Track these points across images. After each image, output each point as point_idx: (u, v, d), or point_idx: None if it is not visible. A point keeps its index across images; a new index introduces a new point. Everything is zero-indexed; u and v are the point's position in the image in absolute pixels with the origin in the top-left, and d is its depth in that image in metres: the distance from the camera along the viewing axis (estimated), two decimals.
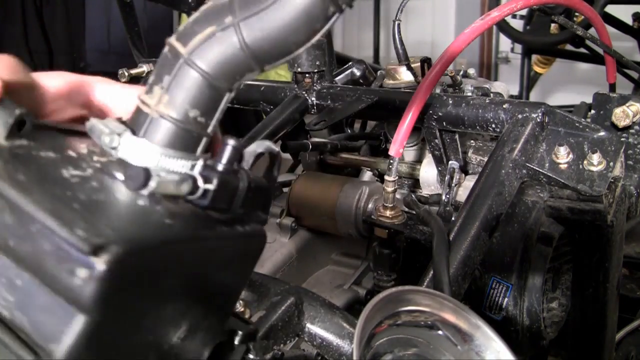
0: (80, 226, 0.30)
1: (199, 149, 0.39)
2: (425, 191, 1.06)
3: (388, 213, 0.91)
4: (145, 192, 0.35)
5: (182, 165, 0.38)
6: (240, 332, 0.45)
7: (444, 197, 0.95)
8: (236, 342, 0.44)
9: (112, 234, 0.31)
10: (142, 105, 0.39)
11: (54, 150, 0.37)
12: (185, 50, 0.38)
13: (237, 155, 0.39)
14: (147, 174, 0.35)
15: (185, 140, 0.38)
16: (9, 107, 0.35)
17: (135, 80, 1.28)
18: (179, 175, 0.37)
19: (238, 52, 0.37)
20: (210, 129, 0.39)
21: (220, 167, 0.38)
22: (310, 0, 0.36)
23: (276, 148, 0.43)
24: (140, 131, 0.38)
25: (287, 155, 1.28)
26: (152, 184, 0.35)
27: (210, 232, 0.37)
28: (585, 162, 0.79)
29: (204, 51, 0.37)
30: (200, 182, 0.37)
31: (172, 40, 0.38)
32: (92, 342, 0.31)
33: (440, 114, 0.93)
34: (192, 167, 0.38)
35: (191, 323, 0.38)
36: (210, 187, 0.37)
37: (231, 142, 0.38)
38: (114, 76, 1.34)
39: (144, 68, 1.29)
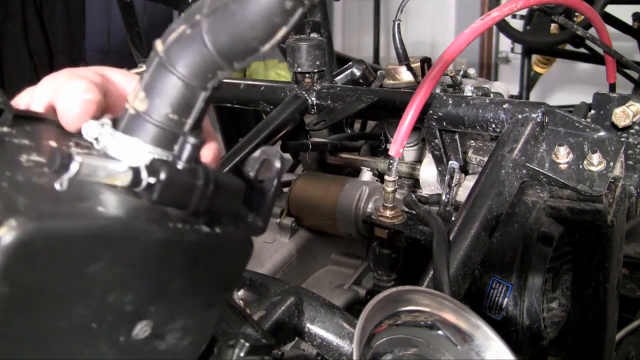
0: None
1: (176, 147, 0.39)
2: (425, 191, 1.06)
3: (388, 213, 0.91)
4: (66, 176, 0.35)
5: (135, 157, 0.38)
6: (246, 344, 0.45)
7: (444, 197, 0.95)
8: (241, 354, 0.45)
9: (22, 212, 0.31)
10: (126, 102, 0.40)
11: (31, 139, 0.38)
12: (161, 49, 0.38)
13: (196, 152, 0.38)
14: (66, 159, 0.35)
15: (157, 137, 0.39)
16: None
17: None
18: (124, 165, 0.37)
19: (203, 49, 0.37)
20: (186, 128, 0.39)
21: (175, 163, 0.38)
22: None
23: (281, 155, 0.42)
24: (120, 125, 0.39)
25: (287, 155, 1.28)
26: (72, 168, 0.35)
27: (157, 227, 0.37)
28: (585, 162, 0.79)
29: (175, 49, 0.38)
30: (143, 174, 0.36)
31: (158, 39, 0.39)
32: None
33: (440, 114, 0.93)
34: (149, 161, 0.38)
35: (155, 322, 0.39)
36: (152, 180, 0.36)
37: (190, 140, 0.38)
38: None
39: (144, 68, 1.29)
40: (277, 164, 0.42)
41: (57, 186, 0.35)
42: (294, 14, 0.36)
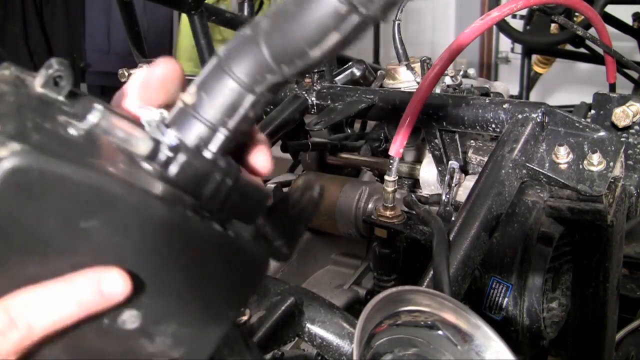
0: (9, 128, 0.32)
1: (213, 143, 0.38)
2: (425, 191, 1.06)
3: (388, 213, 0.91)
4: (83, 124, 0.35)
5: (161, 135, 0.37)
6: None
7: (444, 197, 0.95)
8: None
9: (30, 143, 0.32)
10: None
11: (76, 109, 0.37)
12: (223, 49, 0.38)
13: (225, 146, 0.38)
14: (88, 108, 0.35)
15: (194, 128, 0.38)
16: (59, 64, 0.37)
17: None
18: (146, 135, 0.36)
19: (256, 49, 0.37)
20: (229, 126, 0.38)
21: (200, 150, 0.37)
22: None
23: (322, 188, 0.42)
24: (168, 118, 0.39)
25: (287, 155, 1.28)
26: (91, 118, 0.35)
27: (164, 203, 0.35)
28: (585, 162, 0.79)
29: (233, 48, 0.38)
30: (164, 148, 0.36)
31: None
32: None
33: (440, 114, 0.93)
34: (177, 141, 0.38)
35: (145, 315, 0.37)
36: (171, 155, 0.36)
37: (222, 131, 0.38)
38: (114, 76, 1.34)
39: (144, 68, 1.29)
40: (316, 194, 0.42)
41: (71, 131, 0.34)
42: (346, 19, 0.35)
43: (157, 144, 0.36)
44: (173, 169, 0.36)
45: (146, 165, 0.36)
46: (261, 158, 0.42)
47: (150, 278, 0.37)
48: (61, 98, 0.37)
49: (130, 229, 0.35)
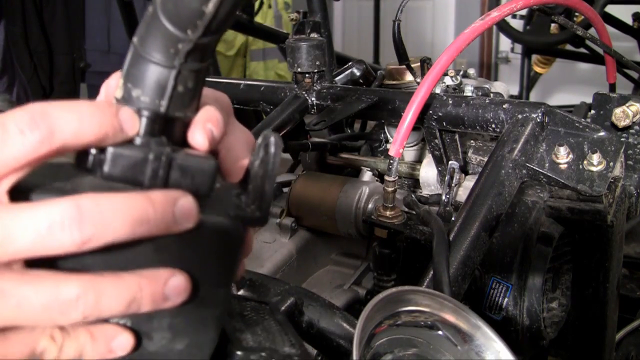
0: None
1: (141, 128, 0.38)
2: (425, 191, 1.06)
3: (388, 213, 0.91)
4: None
5: None
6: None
7: (444, 197, 0.95)
8: None
9: None
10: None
11: None
12: (135, 37, 0.39)
13: (152, 126, 0.38)
14: None
15: None
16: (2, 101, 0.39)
17: None
18: None
19: (158, 23, 0.37)
20: (162, 107, 0.38)
21: (132, 140, 0.38)
22: None
23: (278, 138, 0.40)
24: None
25: (287, 155, 1.28)
26: None
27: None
28: (585, 162, 0.79)
29: (142, 30, 0.38)
30: (92, 150, 0.37)
31: None
32: None
33: (440, 114, 0.93)
34: None
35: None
36: (100, 156, 0.37)
37: (144, 113, 0.38)
38: None
39: None
40: (272, 149, 0.40)
41: None
42: None
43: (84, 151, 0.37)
44: (105, 165, 0.36)
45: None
46: (197, 134, 0.40)
47: (125, 269, 0.36)
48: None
49: None
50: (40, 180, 0.36)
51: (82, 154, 0.37)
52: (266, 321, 0.50)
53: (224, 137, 0.42)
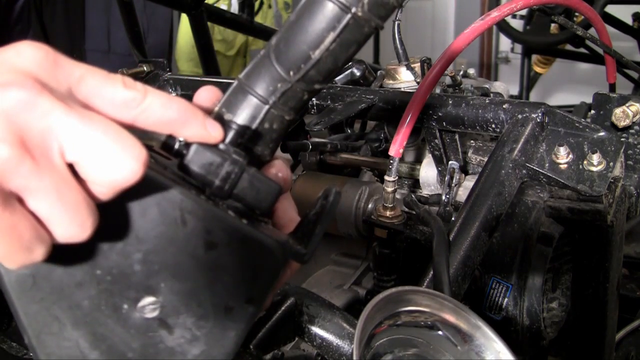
0: None
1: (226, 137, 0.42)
2: (425, 191, 1.06)
3: (388, 213, 0.91)
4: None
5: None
6: None
7: (444, 197, 0.95)
8: None
9: None
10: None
11: None
12: (242, 73, 0.43)
13: (237, 138, 0.42)
14: None
15: None
16: None
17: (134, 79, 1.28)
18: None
19: (266, 61, 0.41)
20: (247, 131, 0.42)
21: (216, 145, 0.41)
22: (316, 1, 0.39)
23: (337, 192, 0.45)
24: None
25: (287, 155, 1.28)
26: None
27: (179, 187, 0.38)
28: (585, 162, 0.79)
29: (250, 68, 0.43)
30: (178, 141, 0.40)
31: None
32: None
33: (440, 114, 0.93)
34: None
35: (164, 303, 0.39)
36: (184, 147, 0.39)
37: (233, 126, 0.42)
38: None
39: (144, 68, 1.29)
40: (331, 198, 0.44)
41: None
42: (341, 20, 0.39)
43: (171, 138, 0.40)
44: (186, 156, 0.40)
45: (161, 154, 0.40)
46: (275, 169, 0.46)
47: (167, 260, 0.39)
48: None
49: (146, 209, 0.38)
50: None
51: (168, 142, 0.40)
52: None
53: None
